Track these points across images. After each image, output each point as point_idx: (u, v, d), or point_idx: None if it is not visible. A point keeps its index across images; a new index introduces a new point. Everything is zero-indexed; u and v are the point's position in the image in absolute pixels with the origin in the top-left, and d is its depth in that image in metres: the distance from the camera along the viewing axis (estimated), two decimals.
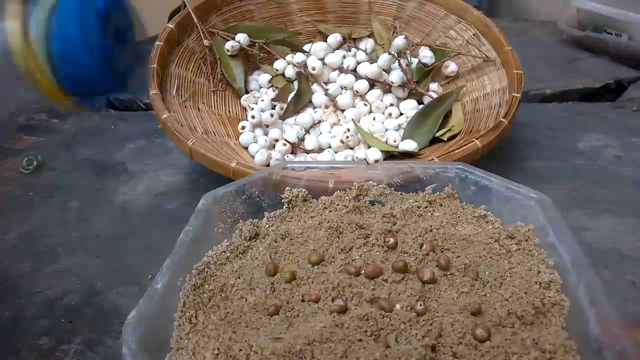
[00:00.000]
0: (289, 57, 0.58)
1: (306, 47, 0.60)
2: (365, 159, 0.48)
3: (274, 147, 0.50)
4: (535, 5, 1.16)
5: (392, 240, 0.30)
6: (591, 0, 0.80)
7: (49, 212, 0.48)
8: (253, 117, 0.52)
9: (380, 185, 0.36)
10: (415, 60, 0.58)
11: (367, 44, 0.60)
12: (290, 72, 0.57)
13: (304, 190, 0.36)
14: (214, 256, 0.32)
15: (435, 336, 0.24)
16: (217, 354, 0.24)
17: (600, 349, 0.23)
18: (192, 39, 0.56)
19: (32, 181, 0.54)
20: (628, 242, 0.41)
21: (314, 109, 0.56)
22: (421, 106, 0.53)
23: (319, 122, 0.54)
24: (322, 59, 0.57)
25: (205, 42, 0.56)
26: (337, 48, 0.59)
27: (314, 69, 0.56)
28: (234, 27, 0.59)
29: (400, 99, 0.56)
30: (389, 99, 0.55)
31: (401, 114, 0.54)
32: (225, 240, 0.33)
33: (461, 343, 0.24)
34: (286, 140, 0.50)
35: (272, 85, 0.58)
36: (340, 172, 0.38)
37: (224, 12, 0.60)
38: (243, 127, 0.51)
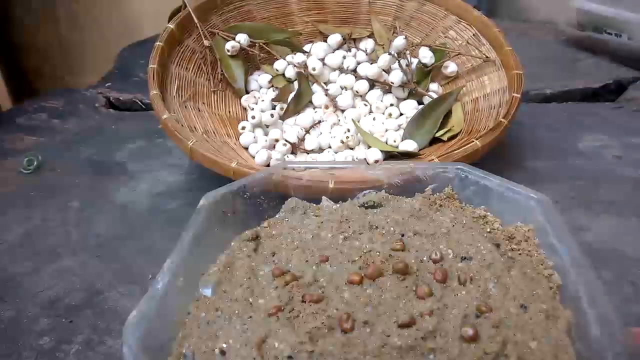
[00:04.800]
0: (289, 58, 0.58)
1: (306, 48, 0.60)
2: (365, 159, 0.48)
3: (274, 147, 0.50)
4: (535, 5, 1.16)
5: (399, 244, 0.30)
6: (591, 1, 0.80)
7: (49, 212, 0.48)
8: (253, 117, 0.52)
9: (381, 190, 0.36)
10: (415, 61, 0.58)
11: (367, 44, 0.60)
12: (290, 72, 0.57)
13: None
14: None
15: (434, 337, 0.24)
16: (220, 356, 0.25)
17: (600, 350, 0.23)
18: (192, 39, 0.56)
19: (32, 181, 0.54)
20: (628, 242, 0.41)
21: (314, 109, 0.56)
22: (421, 106, 0.53)
23: (319, 122, 0.54)
24: (322, 59, 0.57)
25: (206, 42, 0.56)
26: (337, 48, 0.59)
27: (314, 69, 0.56)
28: (234, 27, 0.59)
29: (400, 99, 0.56)
30: (389, 99, 0.55)
31: (401, 114, 0.55)
32: (225, 247, 0.33)
33: (461, 344, 0.24)
34: (286, 141, 0.50)
35: (272, 86, 0.58)
36: (341, 172, 0.38)
37: (224, 12, 0.60)
38: (243, 128, 0.52)
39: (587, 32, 0.81)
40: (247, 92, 0.58)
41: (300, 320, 0.26)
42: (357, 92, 0.55)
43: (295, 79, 0.57)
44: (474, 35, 0.57)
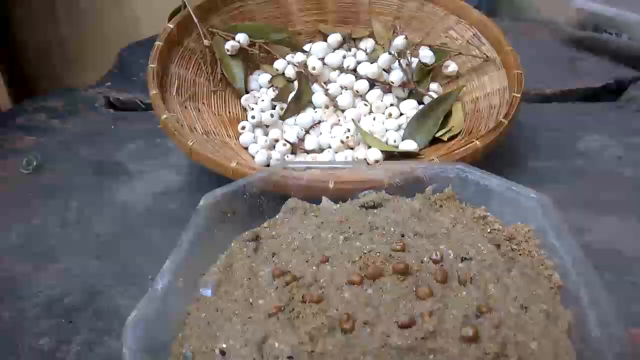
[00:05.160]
0: (289, 57, 0.58)
1: (306, 47, 0.60)
2: (365, 159, 0.48)
3: (274, 148, 0.50)
4: (535, 5, 1.16)
5: (400, 245, 0.30)
6: (591, 0, 0.80)
7: (49, 212, 0.48)
8: (253, 117, 0.52)
9: (381, 190, 0.36)
10: (415, 60, 0.57)
11: (367, 44, 0.60)
12: (290, 72, 0.57)
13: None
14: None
15: (434, 338, 0.24)
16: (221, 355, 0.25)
17: (600, 350, 0.23)
18: (192, 39, 0.56)
19: (31, 181, 0.54)
20: (628, 242, 0.41)
21: (314, 109, 0.56)
22: (421, 106, 0.53)
23: (319, 122, 0.54)
24: (322, 59, 0.57)
25: (205, 42, 0.56)
26: (337, 48, 0.59)
27: (314, 69, 0.56)
28: (234, 27, 0.58)
29: (400, 99, 0.56)
30: (389, 99, 0.55)
31: (401, 114, 0.54)
32: (225, 247, 0.33)
33: (461, 345, 0.24)
34: (286, 141, 0.50)
35: (272, 85, 0.58)
36: (341, 172, 0.38)
37: (224, 12, 0.60)
38: (243, 128, 0.51)
39: (587, 32, 0.81)
40: (247, 92, 0.58)
41: (301, 320, 0.26)
42: (357, 91, 0.55)
43: (295, 79, 0.57)
44: (474, 35, 0.57)
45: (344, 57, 0.57)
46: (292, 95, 0.55)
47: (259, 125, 0.52)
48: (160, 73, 0.50)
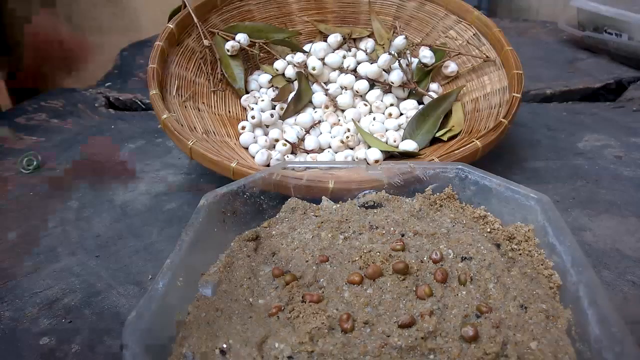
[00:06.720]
0: (289, 57, 0.58)
1: (306, 47, 0.60)
2: (365, 159, 0.48)
3: (274, 147, 0.50)
4: (535, 5, 1.16)
5: (399, 244, 0.30)
6: (591, 0, 0.80)
7: (49, 212, 0.48)
8: (253, 117, 0.52)
9: (381, 190, 0.36)
10: (415, 60, 0.58)
11: (367, 44, 0.60)
12: (290, 72, 0.57)
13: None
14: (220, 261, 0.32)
15: (434, 337, 0.24)
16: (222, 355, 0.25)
17: (600, 350, 0.23)
18: (192, 39, 0.56)
19: (32, 181, 0.54)
20: (628, 242, 0.41)
21: (314, 109, 0.56)
22: (421, 106, 0.53)
23: (319, 122, 0.54)
24: (322, 59, 0.57)
25: (205, 42, 0.56)
26: (337, 48, 0.59)
27: (314, 69, 0.56)
28: (234, 27, 0.59)
29: (400, 99, 0.56)
30: (389, 99, 0.55)
31: (401, 114, 0.55)
32: (225, 247, 0.33)
33: (461, 344, 0.24)
34: (286, 140, 0.50)
35: (272, 85, 0.58)
36: (341, 172, 0.38)
37: (224, 12, 0.60)
38: (243, 127, 0.51)
39: (587, 32, 0.81)
40: (247, 92, 0.58)
41: (301, 320, 0.26)
42: (357, 91, 0.55)
43: (295, 79, 0.57)
44: (474, 35, 0.57)
45: (344, 57, 0.57)
46: (292, 95, 0.55)
47: (259, 125, 0.53)
48: (160, 73, 0.50)
